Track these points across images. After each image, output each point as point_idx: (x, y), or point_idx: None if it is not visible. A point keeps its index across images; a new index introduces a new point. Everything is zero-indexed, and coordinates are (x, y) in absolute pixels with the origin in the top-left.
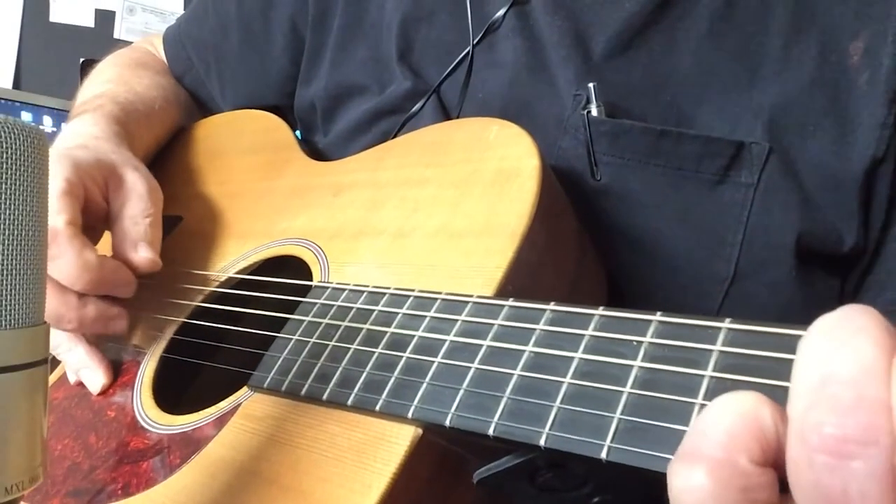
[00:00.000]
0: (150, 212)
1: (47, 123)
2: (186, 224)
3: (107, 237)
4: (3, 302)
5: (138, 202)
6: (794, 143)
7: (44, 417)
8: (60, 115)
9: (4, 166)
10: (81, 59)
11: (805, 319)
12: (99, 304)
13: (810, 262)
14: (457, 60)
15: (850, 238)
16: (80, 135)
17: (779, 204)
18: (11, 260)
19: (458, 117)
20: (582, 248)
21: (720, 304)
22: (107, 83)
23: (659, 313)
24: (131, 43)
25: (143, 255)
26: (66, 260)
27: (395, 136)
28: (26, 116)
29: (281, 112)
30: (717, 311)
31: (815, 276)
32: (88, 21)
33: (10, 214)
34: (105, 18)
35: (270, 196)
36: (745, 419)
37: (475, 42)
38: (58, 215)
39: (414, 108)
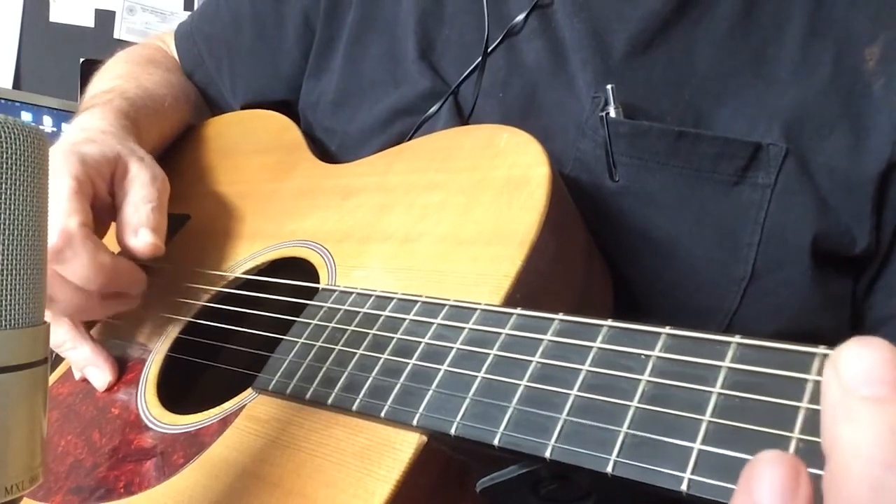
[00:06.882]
0: (152, 198)
1: (47, 123)
2: (194, 223)
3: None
4: (3, 302)
5: (140, 190)
6: (810, 145)
7: (44, 417)
8: (60, 115)
9: (4, 166)
10: (81, 59)
11: (820, 319)
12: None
13: (825, 263)
14: (476, 63)
15: (862, 240)
16: (87, 129)
17: (795, 205)
18: (11, 260)
19: (472, 117)
20: (590, 256)
21: (737, 304)
22: (116, 79)
23: (668, 327)
24: (131, 43)
25: (144, 238)
26: (81, 262)
27: (410, 139)
28: (26, 116)
29: (288, 109)
30: (733, 311)
31: (829, 277)
32: (88, 21)
33: (10, 214)
34: (105, 18)
35: (279, 197)
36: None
37: (491, 50)
38: (70, 217)
39: (430, 111)
